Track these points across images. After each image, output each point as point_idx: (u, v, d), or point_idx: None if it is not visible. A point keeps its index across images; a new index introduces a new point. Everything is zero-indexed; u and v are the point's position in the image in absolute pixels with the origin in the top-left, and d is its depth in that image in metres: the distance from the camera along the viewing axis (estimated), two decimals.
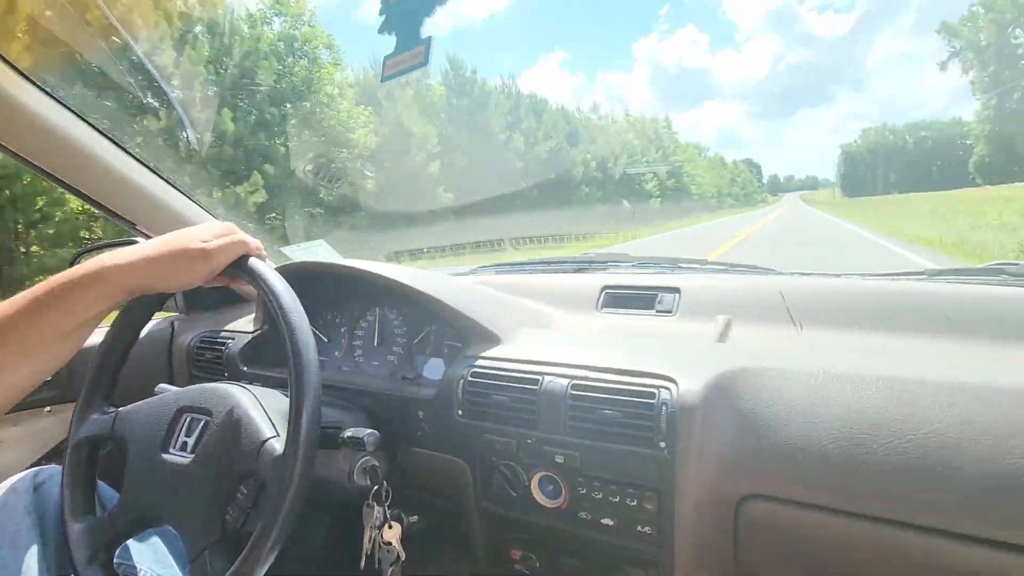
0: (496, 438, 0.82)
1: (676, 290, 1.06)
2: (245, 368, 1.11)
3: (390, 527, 0.83)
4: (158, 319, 1.42)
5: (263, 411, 0.72)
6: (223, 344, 1.18)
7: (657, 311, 1.05)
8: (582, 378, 0.77)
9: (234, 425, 0.70)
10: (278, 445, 0.66)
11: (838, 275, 1.04)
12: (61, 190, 1.15)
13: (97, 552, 0.72)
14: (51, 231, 9.61)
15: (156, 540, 0.84)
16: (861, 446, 0.62)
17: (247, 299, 1.45)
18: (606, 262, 1.33)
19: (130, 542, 0.79)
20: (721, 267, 1.23)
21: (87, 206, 1.46)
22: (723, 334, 0.93)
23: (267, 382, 0.96)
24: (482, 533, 0.90)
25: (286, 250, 1.66)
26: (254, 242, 0.78)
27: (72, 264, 1.08)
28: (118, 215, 1.21)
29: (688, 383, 0.71)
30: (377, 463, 0.78)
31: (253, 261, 0.75)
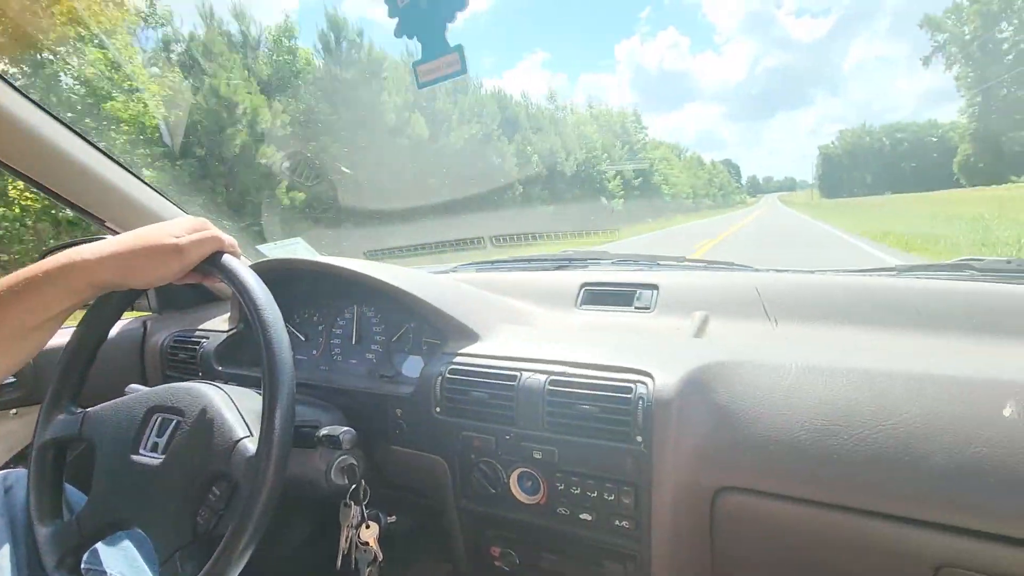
0: (475, 435, 0.82)
1: (654, 287, 1.07)
2: (220, 368, 1.09)
3: (367, 527, 0.82)
4: (130, 318, 1.39)
5: (236, 411, 0.71)
6: (197, 343, 1.16)
7: (636, 307, 1.06)
8: (560, 374, 0.77)
9: (207, 425, 0.68)
10: (251, 445, 0.65)
11: (812, 272, 1.06)
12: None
13: (65, 557, 0.71)
14: None
15: (127, 543, 0.82)
16: (833, 437, 0.63)
17: (222, 297, 1.43)
18: (586, 260, 1.33)
19: (99, 545, 0.77)
20: (699, 264, 1.25)
21: (32, 206, 1.41)
22: (700, 329, 0.94)
23: (243, 382, 0.95)
24: (461, 531, 0.90)
25: (263, 248, 1.64)
26: (228, 239, 0.76)
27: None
28: (85, 211, 1.17)
29: (664, 377, 0.71)
30: (355, 462, 0.77)
31: (227, 258, 0.74)
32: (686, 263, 1.26)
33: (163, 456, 0.69)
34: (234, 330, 1.14)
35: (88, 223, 1.21)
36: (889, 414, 0.62)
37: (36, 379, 1.21)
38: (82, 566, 0.73)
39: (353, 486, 0.78)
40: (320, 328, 1.13)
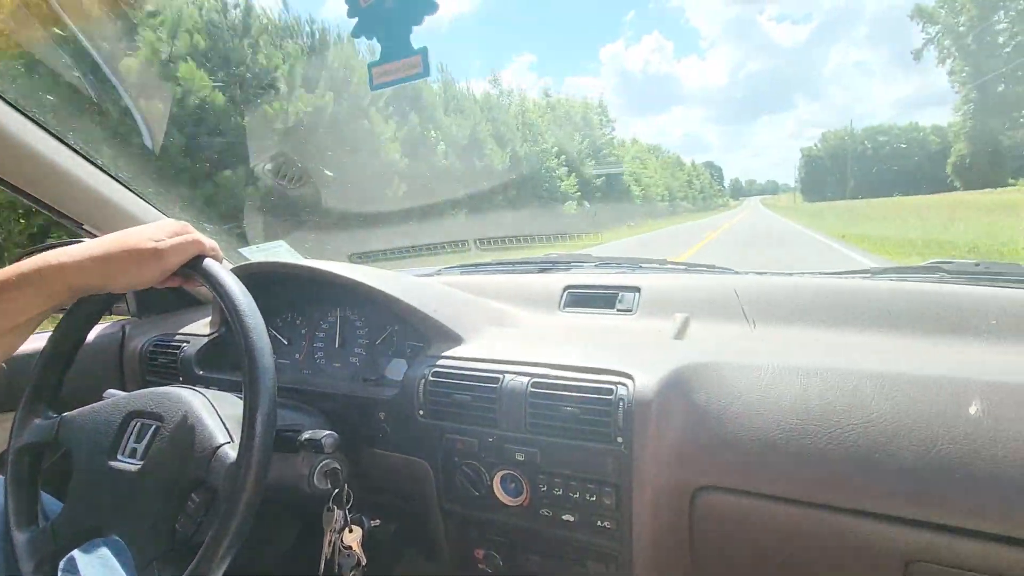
0: (458, 437, 0.82)
1: (636, 289, 1.08)
2: (201, 372, 1.08)
3: (351, 531, 0.82)
4: (108, 322, 1.36)
5: (217, 416, 0.70)
6: (178, 348, 1.14)
7: (618, 310, 1.07)
8: (542, 376, 0.78)
9: (187, 431, 0.68)
10: (231, 451, 0.64)
11: (790, 274, 1.08)
12: None
13: (42, 564, 0.69)
14: None
15: (104, 550, 0.80)
16: (807, 436, 0.64)
17: (203, 301, 1.41)
18: (569, 262, 1.34)
19: (76, 552, 0.76)
20: (681, 267, 1.26)
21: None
22: (681, 331, 0.95)
23: (224, 387, 0.94)
24: (445, 534, 0.90)
25: (245, 251, 1.62)
26: (209, 242, 0.76)
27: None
28: (62, 213, 1.15)
29: (644, 379, 0.72)
30: (338, 466, 0.77)
31: (208, 262, 0.73)
32: (668, 265, 1.28)
33: (141, 462, 0.68)
34: (215, 334, 1.13)
35: (67, 226, 1.18)
36: (861, 413, 0.64)
37: (9, 386, 1.19)
38: (59, 573, 0.72)
39: (336, 490, 0.78)
40: (303, 332, 1.13)
